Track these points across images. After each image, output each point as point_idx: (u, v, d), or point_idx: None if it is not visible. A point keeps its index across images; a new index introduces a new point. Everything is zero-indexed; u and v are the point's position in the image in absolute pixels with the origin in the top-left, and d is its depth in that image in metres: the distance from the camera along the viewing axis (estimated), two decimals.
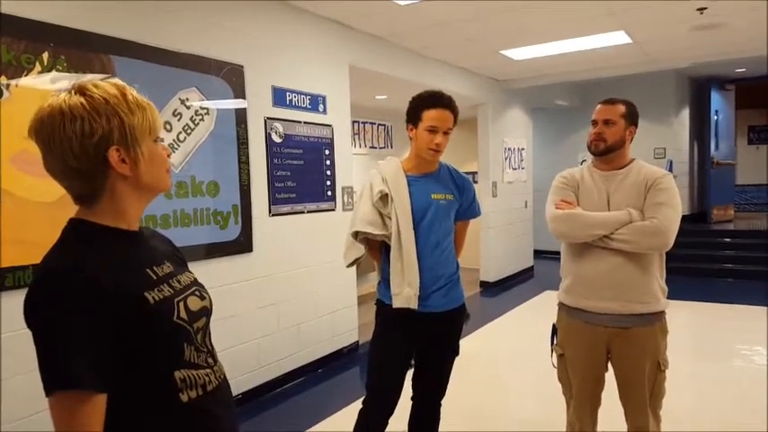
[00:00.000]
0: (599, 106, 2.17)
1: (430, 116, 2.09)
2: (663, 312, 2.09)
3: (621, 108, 2.12)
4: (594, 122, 2.14)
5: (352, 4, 3.88)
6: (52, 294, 0.90)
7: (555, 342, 2.24)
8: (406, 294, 2.08)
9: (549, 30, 4.80)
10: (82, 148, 0.95)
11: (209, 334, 1.15)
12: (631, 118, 2.13)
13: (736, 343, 4.58)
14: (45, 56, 2.50)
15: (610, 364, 2.14)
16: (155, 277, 1.04)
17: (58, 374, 0.89)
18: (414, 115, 2.15)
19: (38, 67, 2.48)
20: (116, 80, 1.02)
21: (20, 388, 2.36)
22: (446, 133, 2.11)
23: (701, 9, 4.26)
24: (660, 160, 8.12)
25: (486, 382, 3.85)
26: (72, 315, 0.89)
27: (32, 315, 0.91)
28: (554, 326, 2.26)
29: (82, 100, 0.96)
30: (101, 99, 0.96)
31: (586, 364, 2.14)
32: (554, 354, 2.24)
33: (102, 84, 0.99)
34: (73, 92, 0.97)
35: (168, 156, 1.09)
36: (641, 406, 2.06)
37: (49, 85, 2.51)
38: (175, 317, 1.03)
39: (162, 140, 1.09)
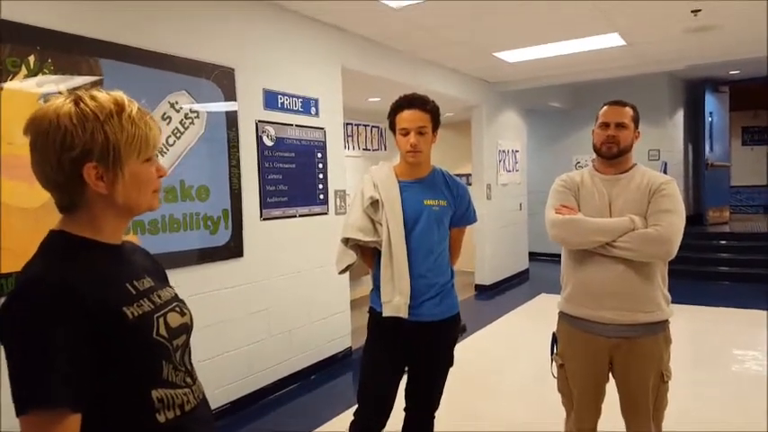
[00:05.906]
0: (607, 108, 2.10)
1: (401, 119, 2.08)
2: (667, 321, 2.03)
3: (630, 111, 2.08)
4: (606, 125, 2.06)
5: (343, 6, 3.84)
6: (29, 307, 0.86)
7: (555, 351, 2.18)
8: (395, 303, 2.04)
9: (543, 32, 4.77)
10: (59, 161, 0.92)
11: (189, 352, 1.11)
12: (637, 121, 2.10)
13: (733, 347, 4.55)
14: (31, 59, 2.45)
15: (611, 375, 2.09)
16: (134, 292, 1.00)
17: (34, 391, 0.84)
18: (391, 122, 2.14)
19: (24, 71, 2.43)
20: (120, 94, 0.98)
21: None
22: (421, 133, 2.06)
23: (695, 11, 4.25)
24: (654, 162, 8.10)
25: (480, 387, 3.81)
26: (49, 329, 0.85)
27: (7, 328, 0.87)
28: (554, 335, 2.20)
29: (73, 110, 0.93)
30: (90, 113, 0.93)
31: (588, 375, 2.08)
32: (554, 364, 2.19)
33: (100, 96, 0.95)
34: (69, 100, 0.94)
35: (161, 176, 1.04)
36: (644, 418, 2.01)
37: (35, 89, 2.47)
38: (155, 333, 0.99)
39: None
